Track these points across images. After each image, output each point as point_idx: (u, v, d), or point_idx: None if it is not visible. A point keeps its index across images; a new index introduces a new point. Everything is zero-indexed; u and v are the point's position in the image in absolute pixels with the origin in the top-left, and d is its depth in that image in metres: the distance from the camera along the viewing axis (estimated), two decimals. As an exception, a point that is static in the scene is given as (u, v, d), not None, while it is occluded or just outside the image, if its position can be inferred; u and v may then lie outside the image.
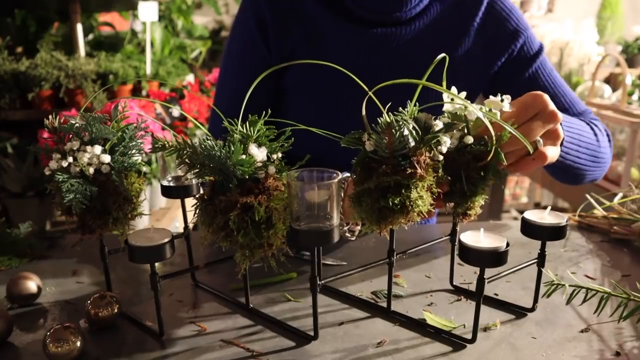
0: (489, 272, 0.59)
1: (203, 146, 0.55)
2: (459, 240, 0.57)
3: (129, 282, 0.80)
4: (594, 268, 0.84)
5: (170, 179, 0.72)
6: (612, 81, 3.55)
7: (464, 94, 0.60)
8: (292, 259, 0.83)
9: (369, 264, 0.67)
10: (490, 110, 0.61)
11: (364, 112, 0.58)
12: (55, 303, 0.73)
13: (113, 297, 0.66)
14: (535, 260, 0.66)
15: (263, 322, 0.68)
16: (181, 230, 0.75)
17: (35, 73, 1.88)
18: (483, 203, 0.65)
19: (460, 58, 0.97)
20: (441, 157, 0.58)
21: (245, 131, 0.58)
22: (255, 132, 0.58)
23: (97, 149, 0.61)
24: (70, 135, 0.61)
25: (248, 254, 0.58)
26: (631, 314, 0.63)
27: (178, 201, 0.74)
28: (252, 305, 0.70)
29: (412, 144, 0.56)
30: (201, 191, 0.61)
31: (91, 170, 0.60)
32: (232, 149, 0.55)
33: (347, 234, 0.78)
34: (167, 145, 0.58)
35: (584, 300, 0.65)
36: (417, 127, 0.56)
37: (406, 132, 0.55)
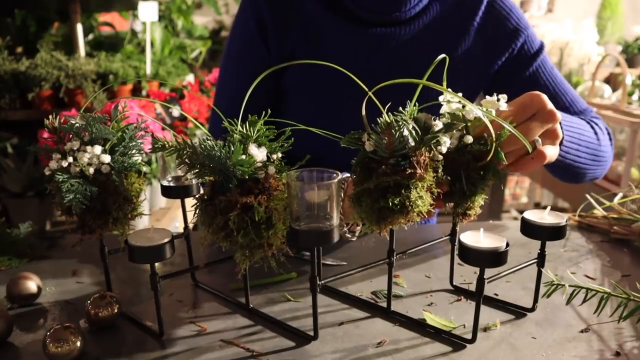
0: (489, 272, 0.59)
1: (203, 146, 0.55)
2: (459, 240, 0.57)
3: (129, 282, 0.80)
4: (594, 268, 0.84)
5: (170, 179, 0.72)
6: (612, 81, 3.55)
7: (460, 94, 0.60)
8: (292, 259, 0.83)
9: (369, 264, 0.67)
10: (487, 110, 0.61)
11: (363, 112, 0.58)
12: (55, 303, 0.73)
13: (113, 297, 0.66)
14: (535, 260, 0.66)
15: (263, 322, 0.68)
16: (181, 230, 0.75)
17: (35, 73, 1.88)
18: (483, 203, 0.65)
19: (460, 57, 0.97)
20: (441, 157, 0.58)
21: (245, 131, 0.58)
22: (255, 132, 0.58)
23: (97, 149, 0.61)
24: (70, 135, 0.61)
25: (248, 254, 0.58)
26: (631, 314, 0.63)
27: (178, 201, 0.74)
28: (252, 305, 0.70)
29: (412, 144, 0.56)
30: (201, 191, 0.61)
31: (91, 170, 0.60)
32: (232, 149, 0.55)
33: (348, 235, 0.78)
34: (167, 145, 0.58)
35: (584, 301, 0.65)
36: (416, 127, 0.56)
37: (406, 132, 0.55)
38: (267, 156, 0.58)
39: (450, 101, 0.62)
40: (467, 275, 0.80)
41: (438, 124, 0.57)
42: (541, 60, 1.00)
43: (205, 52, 3.30)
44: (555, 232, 0.63)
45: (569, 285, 0.65)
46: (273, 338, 0.64)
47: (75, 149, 0.60)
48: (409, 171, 0.54)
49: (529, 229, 0.64)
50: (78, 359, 0.59)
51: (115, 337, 0.65)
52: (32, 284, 0.72)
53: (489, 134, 0.59)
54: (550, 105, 0.66)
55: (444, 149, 0.58)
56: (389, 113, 0.56)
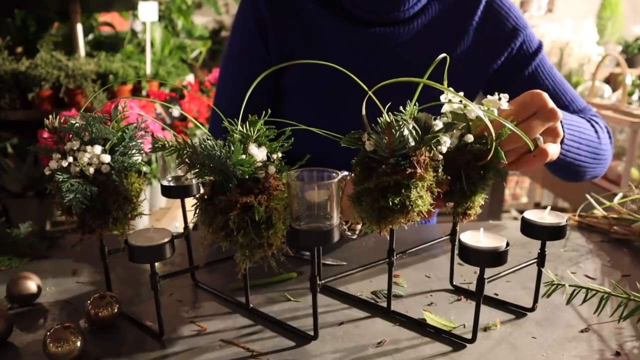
0: (489, 272, 0.59)
1: (203, 146, 0.55)
2: (459, 240, 0.57)
3: (129, 282, 0.80)
4: (594, 268, 0.84)
5: (170, 179, 0.72)
6: (612, 81, 3.55)
7: (461, 93, 0.60)
8: (292, 259, 0.83)
9: (369, 264, 0.67)
10: (488, 109, 0.61)
11: (364, 112, 0.58)
12: (55, 303, 0.73)
13: (113, 297, 0.66)
14: (535, 260, 0.66)
15: (263, 322, 0.68)
16: (181, 230, 0.75)
17: (35, 73, 1.88)
18: (483, 203, 0.65)
19: (460, 57, 0.97)
20: (441, 157, 0.58)
21: (245, 131, 0.58)
22: (255, 132, 0.58)
23: (97, 148, 0.61)
24: (70, 135, 0.61)
25: (248, 253, 0.58)
26: (631, 314, 0.63)
27: (178, 201, 0.74)
28: (252, 305, 0.70)
29: (412, 143, 0.56)
30: (201, 191, 0.61)
31: (91, 170, 0.60)
32: (232, 149, 0.55)
33: (348, 232, 0.78)
34: (167, 145, 0.58)
35: (584, 300, 0.65)
36: (417, 127, 0.56)
37: (406, 132, 0.55)
38: (267, 156, 0.58)
39: (452, 101, 0.62)
40: (467, 275, 0.80)
41: (438, 124, 0.57)
42: (540, 60, 1.00)
43: (205, 52, 3.30)
44: (556, 232, 0.63)
45: (569, 285, 0.65)
46: (273, 338, 0.64)
47: (75, 148, 0.60)
48: (409, 171, 0.54)
49: (529, 228, 0.64)
50: (78, 359, 0.59)
51: (115, 337, 0.65)
52: (32, 284, 0.72)
53: (489, 133, 0.59)
54: (551, 103, 0.66)
55: (444, 149, 0.58)
56: (389, 113, 0.56)
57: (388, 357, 0.60)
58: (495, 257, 0.56)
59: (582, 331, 0.65)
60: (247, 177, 0.56)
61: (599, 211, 1.01)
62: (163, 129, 1.55)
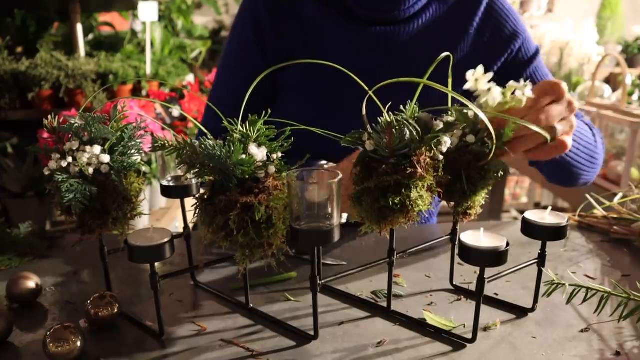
0: (489, 272, 0.59)
1: (203, 146, 0.55)
2: (459, 240, 0.57)
3: (129, 282, 0.79)
4: (594, 268, 0.84)
5: (170, 178, 0.72)
6: (612, 81, 3.55)
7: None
8: (292, 259, 0.83)
9: (369, 264, 0.67)
10: (513, 92, 0.61)
11: (364, 112, 0.58)
12: (55, 303, 0.73)
13: (113, 297, 0.66)
14: (536, 260, 0.66)
15: (263, 322, 0.68)
16: (181, 230, 0.75)
17: (35, 73, 1.88)
18: (483, 203, 0.65)
19: (460, 58, 0.97)
20: (441, 157, 0.58)
21: (245, 131, 0.58)
22: (255, 132, 0.58)
23: (97, 148, 0.61)
24: (70, 135, 0.61)
25: (248, 253, 0.58)
26: (631, 313, 0.63)
27: (178, 201, 0.74)
28: (252, 305, 0.70)
29: (413, 143, 0.55)
30: (201, 191, 0.61)
31: (90, 170, 0.60)
32: (232, 149, 0.55)
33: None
34: (167, 145, 0.58)
35: (584, 300, 0.65)
36: (417, 127, 0.56)
37: (406, 131, 0.55)
38: (267, 156, 0.58)
39: (477, 79, 0.62)
40: (467, 275, 0.80)
41: (438, 124, 0.57)
42: (537, 64, 1.01)
43: (205, 52, 3.30)
44: (556, 233, 0.63)
45: (569, 285, 0.65)
46: (273, 338, 0.64)
47: (74, 149, 0.60)
48: (410, 171, 0.54)
49: (530, 229, 0.64)
50: (78, 359, 0.59)
51: (115, 337, 0.65)
52: (32, 284, 0.72)
53: (494, 126, 0.58)
54: (569, 95, 0.66)
55: (444, 149, 0.58)
56: (389, 112, 0.56)
57: (388, 357, 0.60)
58: (495, 257, 0.55)
59: (582, 331, 0.65)
60: (247, 177, 0.56)
61: (599, 211, 1.01)
62: (163, 129, 1.54)
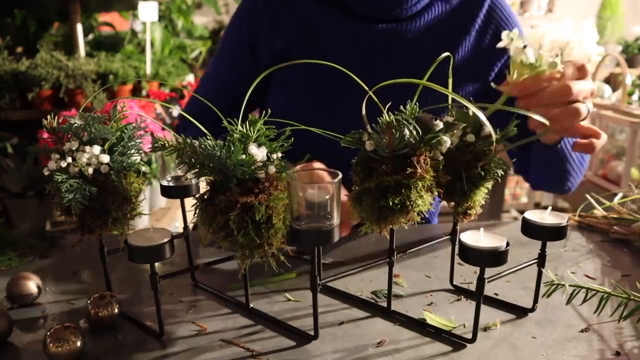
0: (489, 272, 0.59)
1: (203, 146, 0.55)
2: (459, 239, 0.57)
3: (129, 282, 0.79)
4: (594, 268, 0.84)
5: (169, 179, 0.72)
6: (612, 81, 3.55)
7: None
8: (292, 259, 0.83)
9: (369, 264, 0.67)
10: (559, 55, 0.66)
11: (364, 112, 0.58)
12: (55, 303, 0.73)
13: (113, 297, 0.66)
14: (536, 260, 0.66)
15: (263, 322, 0.68)
16: (181, 230, 0.75)
17: (35, 73, 1.88)
18: (483, 202, 0.65)
19: (461, 59, 0.98)
20: (441, 157, 0.58)
21: (245, 131, 0.58)
22: (255, 132, 0.58)
23: (96, 149, 0.61)
24: (69, 135, 0.61)
25: (248, 253, 0.58)
26: (631, 313, 0.63)
27: (178, 201, 0.74)
28: (252, 305, 0.70)
29: (413, 143, 0.55)
30: (201, 191, 0.61)
31: (90, 170, 0.60)
32: (232, 149, 0.55)
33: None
34: (167, 145, 0.58)
35: (584, 300, 0.65)
36: (417, 127, 0.56)
37: (406, 131, 0.55)
38: (267, 156, 0.58)
39: (512, 38, 0.63)
40: (467, 275, 0.80)
41: (438, 124, 0.57)
42: None
43: (205, 52, 3.30)
44: (556, 233, 0.63)
45: (569, 285, 0.65)
46: (273, 338, 0.64)
47: (74, 149, 0.60)
48: (409, 170, 0.54)
49: (530, 229, 0.64)
50: (78, 359, 0.59)
51: (115, 337, 0.65)
52: (32, 284, 0.72)
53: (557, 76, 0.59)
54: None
55: (444, 149, 0.58)
56: (390, 112, 0.56)
57: (388, 357, 0.60)
58: (495, 257, 0.55)
59: (582, 331, 0.65)
60: (247, 177, 0.56)
61: (599, 211, 1.01)
62: (163, 129, 1.54)
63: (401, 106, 0.59)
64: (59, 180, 0.58)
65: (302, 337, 0.64)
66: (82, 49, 2.15)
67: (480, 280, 0.58)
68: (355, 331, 0.65)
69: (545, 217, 0.64)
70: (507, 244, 0.56)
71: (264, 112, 0.60)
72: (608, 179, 2.17)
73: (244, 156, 0.55)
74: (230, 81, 1.04)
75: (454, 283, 0.76)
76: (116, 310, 0.65)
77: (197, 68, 3.22)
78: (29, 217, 1.31)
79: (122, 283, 0.79)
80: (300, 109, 0.99)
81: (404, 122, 0.55)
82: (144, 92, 2.14)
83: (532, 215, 0.65)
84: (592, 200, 1.01)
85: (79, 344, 0.58)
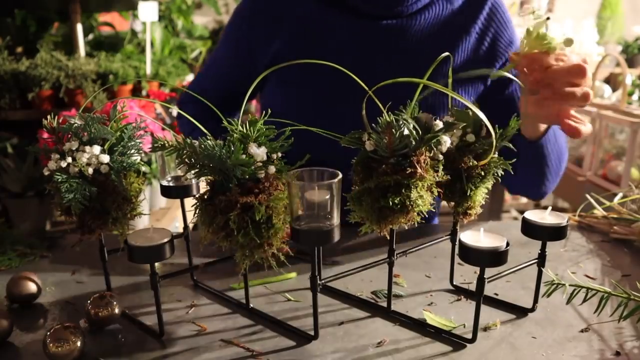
0: (489, 272, 0.59)
1: (203, 146, 0.55)
2: (459, 240, 0.57)
3: (129, 282, 0.79)
4: (594, 268, 0.84)
5: (169, 179, 0.72)
6: (612, 81, 3.55)
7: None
8: (292, 259, 0.83)
9: (369, 264, 0.67)
10: (568, 41, 0.67)
11: (364, 112, 0.58)
12: (55, 303, 0.73)
13: (113, 297, 0.66)
14: (536, 260, 0.66)
15: (263, 322, 0.68)
16: (181, 230, 0.75)
17: (35, 73, 1.88)
18: (483, 202, 0.65)
19: (461, 59, 0.98)
20: (441, 157, 0.58)
21: (245, 131, 0.58)
22: (255, 132, 0.58)
23: (96, 149, 0.61)
24: (69, 136, 0.61)
25: (248, 253, 0.58)
26: (631, 313, 0.63)
27: (178, 201, 0.74)
28: (252, 305, 0.70)
29: (413, 143, 0.55)
30: (201, 191, 0.61)
31: (90, 170, 0.60)
32: (232, 149, 0.55)
33: None
34: (167, 145, 0.58)
35: (584, 300, 0.65)
36: (417, 127, 0.56)
37: (406, 131, 0.55)
38: (267, 156, 0.58)
39: (538, 14, 0.65)
40: (467, 275, 0.80)
41: (438, 124, 0.57)
42: None
43: (205, 52, 3.30)
44: (556, 233, 0.63)
45: (569, 285, 0.65)
46: (273, 338, 0.64)
47: (74, 149, 0.60)
48: (409, 170, 0.54)
49: (530, 229, 0.64)
50: (78, 359, 0.59)
51: (115, 337, 0.65)
52: (32, 284, 0.72)
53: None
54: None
55: (444, 149, 0.58)
56: (389, 112, 0.56)
57: (388, 357, 0.60)
58: (495, 257, 0.55)
59: (582, 331, 0.65)
60: (247, 177, 0.56)
61: (599, 211, 1.01)
62: (163, 129, 1.54)
63: (401, 106, 0.59)
64: (59, 180, 0.58)
65: (302, 337, 0.64)
66: (82, 49, 2.15)
67: (480, 280, 0.58)
68: (355, 331, 0.65)
69: (545, 217, 0.64)
70: (507, 244, 0.56)
71: (264, 112, 0.60)
72: (608, 179, 2.17)
73: (244, 156, 0.55)
74: (230, 80, 1.05)
75: (454, 283, 0.76)
76: (116, 310, 0.65)
77: (197, 68, 3.22)
78: (29, 217, 1.31)
79: (122, 283, 0.79)
80: (300, 109, 0.99)
81: (404, 121, 0.55)
82: (144, 92, 2.14)
83: (532, 215, 0.65)
84: (592, 200, 1.01)
85: (79, 344, 0.58)
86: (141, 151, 0.65)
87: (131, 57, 2.35)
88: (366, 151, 0.57)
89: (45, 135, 1.48)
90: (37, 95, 1.91)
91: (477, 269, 0.59)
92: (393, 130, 0.54)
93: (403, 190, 0.55)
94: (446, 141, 0.58)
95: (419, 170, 0.55)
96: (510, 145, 0.65)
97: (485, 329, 0.65)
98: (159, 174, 0.73)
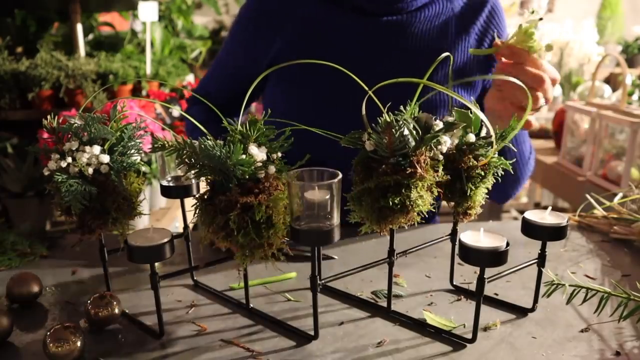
0: (489, 272, 0.59)
1: (203, 146, 0.55)
2: (459, 240, 0.57)
3: (129, 282, 0.79)
4: (594, 268, 0.84)
5: (169, 179, 0.72)
6: (612, 81, 3.55)
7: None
8: (292, 259, 0.83)
9: (369, 264, 0.67)
10: (549, 46, 0.73)
11: (364, 112, 0.58)
12: (55, 303, 0.73)
13: (113, 297, 0.66)
14: (536, 260, 0.66)
15: (263, 322, 0.68)
16: (181, 230, 0.75)
17: (35, 73, 1.88)
18: (483, 202, 0.65)
19: (461, 60, 0.98)
20: (441, 157, 0.58)
21: (245, 130, 0.58)
22: (255, 132, 0.58)
23: (96, 149, 0.61)
24: (69, 136, 0.61)
25: (248, 253, 0.58)
26: (631, 313, 0.63)
27: (178, 201, 0.74)
28: (252, 305, 0.70)
29: (412, 143, 0.55)
30: (201, 191, 0.61)
31: (90, 170, 0.60)
32: (232, 148, 0.55)
33: None
34: (166, 145, 0.58)
35: (584, 300, 0.65)
36: (417, 127, 0.56)
37: (406, 131, 0.55)
38: (267, 156, 0.58)
39: (535, 14, 0.71)
40: (467, 275, 0.80)
41: (438, 124, 0.57)
42: None
43: (205, 52, 3.30)
44: (556, 233, 0.63)
45: (569, 285, 0.65)
46: (273, 338, 0.64)
47: (74, 149, 0.60)
48: (409, 171, 0.54)
49: (530, 229, 0.64)
50: (78, 359, 0.59)
51: (115, 337, 0.65)
52: (32, 284, 0.72)
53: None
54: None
55: (444, 149, 0.58)
56: (389, 112, 0.56)
57: (388, 357, 0.60)
58: (495, 257, 0.55)
59: (582, 331, 0.65)
60: (247, 177, 0.56)
61: (599, 211, 1.01)
62: (163, 129, 1.54)
63: (401, 105, 0.59)
64: (59, 180, 0.58)
65: (302, 337, 0.64)
66: (82, 49, 2.15)
67: (480, 280, 0.58)
68: (355, 331, 0.65)
69: (545, 217, 0.64)
70: (507, 244, 0.56)
71: (264, 112, 0.60)
72: (608, 179, 2.17)
73: (244, 156, 0.55)
74: (236, 81, 1.05)
75: (454, 283, 0.76)
76: (116, 310, 0.65)
77: (197, 68, 3.22)
78: (29, 217, 1.31)
79: (122, 283, 0.79)
80: (300, 109, 0.99)
81: (404, 122, 0.55)
82: (144, 92, 2.14)
83: (532, 215, 0.65)
84: (592, 200, 1.01)
85: (79, 344, 0.58)
86: (141, 151, 0.65)
87: (131, 57, 2.35)
88: (366, 151, 0.57)
89: (45, 135, 1.49)
90: (37, 95, 1.91)
91: (477, 269, 0.59)
92: (393, 130, 0.54)
93: (403, 190, 0.55)
94: (446, 141, 0.58)
95: (419, 170, 0.55)
96: (511, 145, 0.65)
97: (485, 329, 0.65)
98: (159, 174, 0.73)
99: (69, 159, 0.60)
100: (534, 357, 0.60)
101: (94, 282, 0.80)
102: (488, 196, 1.02)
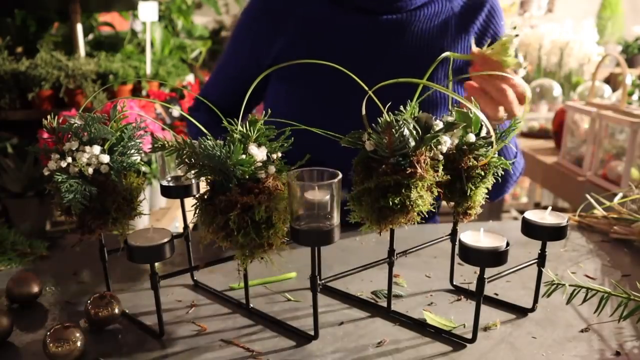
0: (489, 272, 0.59)
1: (203, 146, 0.55)
2: (459, 240, 0.57)
3: (129, 282, 0.79)
4: (594, 268, 0.84)
5: (169, 179, 0.72)
6: (612, 81, 3.55)
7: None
8: (292, 258, 0.83)
9: (369, 264, 0.67)
10: (517, 64, 0.75)
11: (364, 112, 0.58)
12: (55, 303, 0.73)
13: (113, 297, 0.66)
14: (536, 260, 0.66)
15: (263, 322, 0.68)
16: (181, 230, 0.75)
17: (35, 73, 1.88)
18: (483, 202, 0.65)
19: (460, 60, 0.98)
20: (441, 157, 0.58)
21: (245, 130, 0.58)
22: (255, 132, 0.58)
23: (96, 149, 0.61)
24: (69, 136, 0.61)
25: (248, 253, 0.58)
26: (631, 313, 0.63)
27: (178, 201, 0.74)
28: (252, 305, 0.70)
29: (412, 143, 0.55)
30: (201, 191, 0.61)
31: (90, 170, 0.60)
32: (232, 148, 0.55)
33: None
34: (166, 145, 0.57)
35: (584, 300, 0.65)
36: (417, 127, 0.56)
37: (406, 131, 0.55)
38: (267, 156, 0.58)
39: (514, 32, 0.74)
40: (467, 275, 0.80)
41: (438, 124, 0.57)
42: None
43: (205, 52, 3.30)
44: (556, 233, 0.63)
45: (569, 285, 0.65)
46: (273, 338, 0.64)
47: (74, 149, 0.60)
48: (409, 170, 0.54)
49: (530, 229, 0.64)
50: (78, 359, 0.59)
51: (115, 337, 0.65)
52: (32, 284, 0.72)
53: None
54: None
55: (444, 149, 0.58)
56: (389, 112, 0.56)
57: (388, 357, 0.60)
58: (495, 257, 0.55)
59: (582, 331, 0.65)
60: (247, 177, 0.56)
61: (599, 211, 1.01)
62: (163, 129, 1.54)
63: (401, 105, 0.59)
64: (59, 180, 0.58)
65: (302, 337, 0.64)
66: (82, 49, 2.15)
67: (480, 280, 0.58)
68: (355, 331, 0.65)
69: (545, 217, 0.64)
70: (507, 244, 0.56)
71: (264, 112, 0.60)
72: (608, 179, 2.16)
73: (244, 156, 0.55)
74: (241, 81, 1.05)
75: (454, 283, 0.76)
76: (116, 310, 0.65)
77: (197, 68, 3.22)
78: (29, 217, 1.31)
79: (122, 283, 0.79)
80: (300, 108, 0.99)
81: (404, 122, 0.55)
82: (144, 92, 2.14)
83: (532, 215, 0.65)
84: (592, 200, 1.01)
85: (79, 344, 0.58)
86: (141, 151, 0.65)
87: (131, 57, 2.35)
88: (366, 151, 0.57)
89: (45, 135, 1.48)
90: (37, 95, 1.91)
91: (477, 269, 0.59)
92: (393, 130, 0.54)
93: (403, 190, 0.55)
94: (446, 141, 0.58)
95: (419, 170, 0.55)
96: (511, 145, 0.65)
97: (485, 329, 0.65)
98: (159, 174, 0.73)
99: (69, 159, 0.60)
100: (534, 357, 0.60)
101: (94, 282, 0.80)
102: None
